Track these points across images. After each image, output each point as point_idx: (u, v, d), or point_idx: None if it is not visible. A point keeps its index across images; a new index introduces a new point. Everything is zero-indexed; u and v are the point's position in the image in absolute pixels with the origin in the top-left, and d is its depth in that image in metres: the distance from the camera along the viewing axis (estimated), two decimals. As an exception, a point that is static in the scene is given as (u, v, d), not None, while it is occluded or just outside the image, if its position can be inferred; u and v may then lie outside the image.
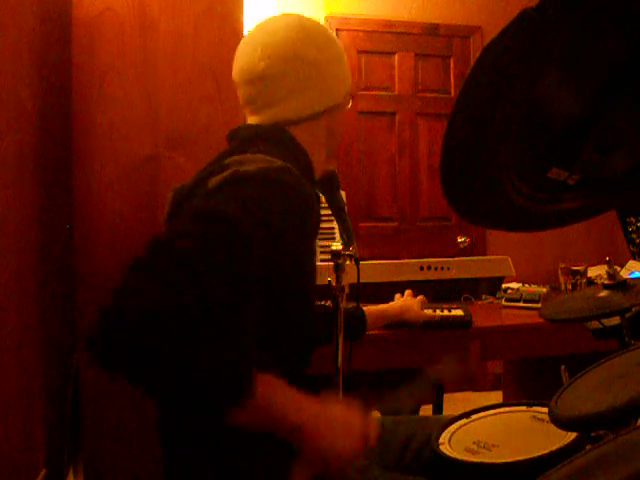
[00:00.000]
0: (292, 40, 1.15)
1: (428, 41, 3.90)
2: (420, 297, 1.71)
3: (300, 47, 1.15)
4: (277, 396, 0.87)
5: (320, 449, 0.89)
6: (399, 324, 1.65)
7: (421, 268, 2.03)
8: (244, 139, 1.15)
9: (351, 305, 1.43)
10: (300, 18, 1.20)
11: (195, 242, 0.84)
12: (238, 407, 0.82)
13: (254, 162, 1.01)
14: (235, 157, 1.05)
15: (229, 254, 0.85)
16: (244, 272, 0.88)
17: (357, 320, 1.55)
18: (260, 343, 0.93)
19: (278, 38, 1.15)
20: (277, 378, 0.88)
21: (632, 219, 2.35)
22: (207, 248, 0.84)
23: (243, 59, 1.18)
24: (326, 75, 1.18)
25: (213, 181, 0.98)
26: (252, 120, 1.20)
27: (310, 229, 1.09)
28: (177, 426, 1.09)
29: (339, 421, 0.92)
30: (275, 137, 1.15)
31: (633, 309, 1.20)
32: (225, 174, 0.98)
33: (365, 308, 1.59)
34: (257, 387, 0.83)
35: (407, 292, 1.74)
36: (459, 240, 3.87)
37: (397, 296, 1.75)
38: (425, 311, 1.69)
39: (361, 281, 1.31)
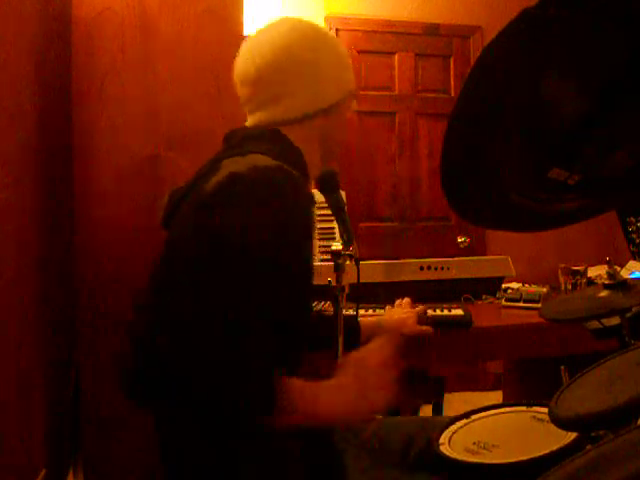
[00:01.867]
0: (286, 42, 1.17)
1: (428, 41, 3.90)
2: (418, 308, 1.67)
3: (293, 48, 1.16)
4: (299, 397, 0.95)
5: (355, 417, 1.03)
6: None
7: (421, 268, 2.03)
8: (238, 140, 1.17)
9: (350, 307, 1.42)
10: (298, 21, 1.22)
11: (208, 273, 0.91)
12: (270, 420, 0.92)
13: (248, 162, 1.03)
14: (228, 159, 1.07)
15: (242, 279, 0.92)
16: (259, 294, 0.94)
17: (351, 331, 1.50)
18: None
19: (273, 40, 1.17)
20: (292, 380, 0.96)
21: (632, 219, 2.35)
22: (221, 277, 0.91)
23: (240, 61, 1.21)
24: (320, 76, 1.19)
25: (210, 185, 1.00)
26: (250, 120, 1.22)
27: (308, 228, 1.09)
28: (177, 428, 1.08)
29: (361, 389, 1.00)
30: (268, 137, 1.15)
31: (633, 309, 1.20)
32: (221, 178, 1.00)
33: (360, 319, 1.55)
34: (282, 399, 0.91)
35: (405, 300, 1.70)
36: (459, 240, 3.87)
37: (397, 302, 1.72)
38: (420, 326, 1.65)
39: (361, 281, 1.30)
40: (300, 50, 1.17)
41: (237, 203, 0.96)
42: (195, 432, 1.04)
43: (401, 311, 1.67)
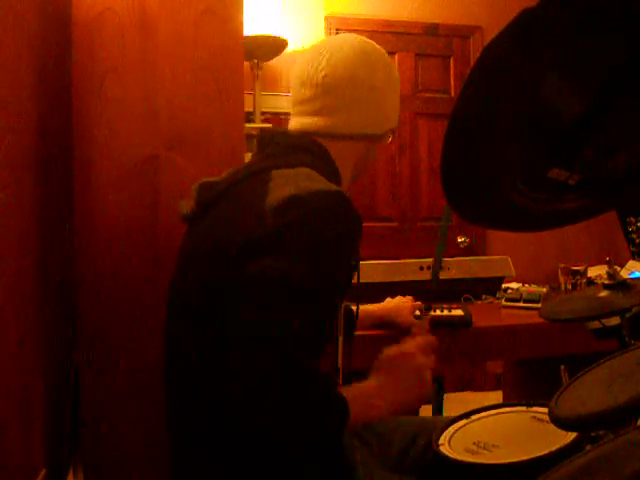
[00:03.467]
0: (357, 60, 1.20)
1: (428, 41, 3.90)
2: (417, 303, 1.68)
3: (362, 69, 1.20)
4: (355, 407, 0.99)
5: (400, 410, 1.07)
6: (387, 326, 1.63)
7: (421, 268, 2.03)
8: (283, 148, 1.18)
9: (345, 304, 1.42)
10: (367, 42, 1.26)
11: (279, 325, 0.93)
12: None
13: (306, 181, 1.05)
14: (278, 171, 1.09)
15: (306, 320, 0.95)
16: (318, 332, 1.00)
17: (347, 320, 1.54)
18: None
19: (347, 54, 1.20)
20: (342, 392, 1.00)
21: (632, 219, 2.35)
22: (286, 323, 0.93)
23: (307, 64, 1.22)
24: (378, 104, 1.23)
25: (269, 203, 1.01)
26: (295, 122, 1.24)
27: (356, 253, 1.13)
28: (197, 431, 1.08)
29: (399, 385, 1.07)
30: (312, 149, 1.18)
31: (633, 309, 1.20)
32: (282, 197, 1.01)
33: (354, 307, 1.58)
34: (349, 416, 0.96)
35: (407, 299, 1.71)
36: (459, 240, 3.87)
37: (397, 298, 1.73)
38: (415, 320, 1.66)
39: (361, 281, 1.30)
40: (370, 73, 1.21)
41: (300, 242, 0.98)
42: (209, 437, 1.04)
43: (398, 300, 1.68)
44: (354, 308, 1.46)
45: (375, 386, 1.06)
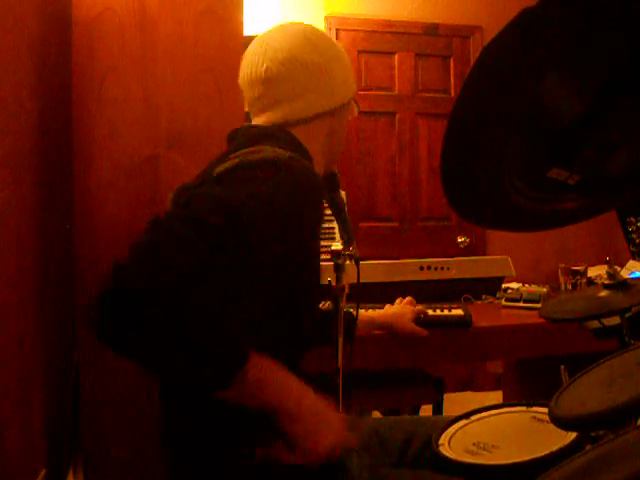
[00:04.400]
0: (294, 45, 1.18)
1: (428, 41, 3.90)
2: (417, 307, 1.68)
3: (301, 51, 1.18)
4: (267, 375, 0.90)
5: (299, 433, 0.92)
6: (387, 331, 1.63)
7: (421, 268, 2.03)
8: (246, 139, 1.16)
9: (351, 307, 1.42)
10: (303, 25, 1.24)
11: (193, 228, 0.85)
12: (232, 380, 0.85)
13: (261, 152, 1.02)
14: (239, 152, 1.06)
15: (228, 242, 0.87)
16: (242, 260, 0.89)
17: (347, 323, 1.53)
18: (261, 332, 0.96)
19: (279, 44, 1.19)
20: (270, 359, 0.91)
21: (632, 219, 2.35)
22: (206, 233, 0.85)
23: (248, 62, 1.21)
24: (327, 79, 1.21)
25: (218, 169, 1.00)
26: (256, 121, 1.23)
27: (318, 217, 1.10)
28: (178, 423, 1.09)
29: (321, 411, 0.95)
30: (278, 136, 1.16)
31: (633, 309, 1.20)
32: (230, 163, 0.99)
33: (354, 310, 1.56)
34: (250, 363, 0.86)
35: (407, 299, 1.71)
36: (459, 240, 3.87)
37: (397, 300, 1.72)
38: (414, 326, 1.65)
39: (361, 281, 1.30)
40: (310, 52, 1.19)
41: (244, 182, 0.94)
42: (197, 430, 1.04)
43: (398, 307, 1.67)
44: (354, 312, 1.46)
45: (302, 391, 0.94)
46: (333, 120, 1.24)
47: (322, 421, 0.94)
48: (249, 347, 0.88)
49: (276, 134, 1.16)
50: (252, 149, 1.06)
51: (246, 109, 1.27)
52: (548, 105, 0.77)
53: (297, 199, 0.99)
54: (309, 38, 1.21)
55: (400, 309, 1.66)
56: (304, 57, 1.18)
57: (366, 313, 1.62)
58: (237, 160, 1.00)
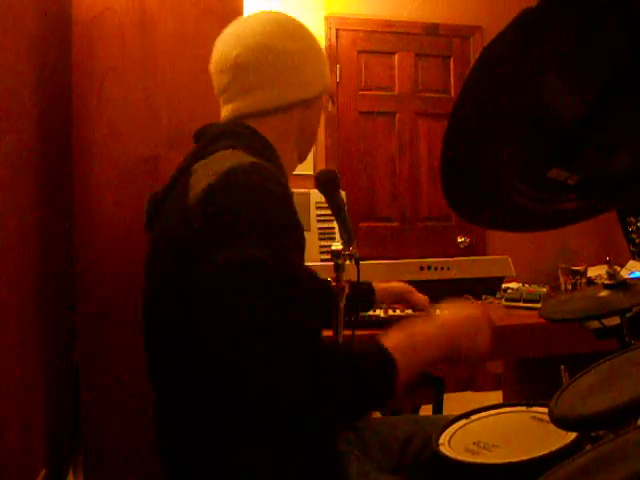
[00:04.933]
0: (265, 32, 1.15)
1: (428, 41, 3.90)
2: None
3: (273, 38, 1.15)
4: (408, 357, 0.98)
5: (469, 353, 1.09)
6: (405, 302, 1.66)
7: (421, 268, 2.03)
8: (209, 138, 1.14)
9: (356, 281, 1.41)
10: (277, 13, 1.22)
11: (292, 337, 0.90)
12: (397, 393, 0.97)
13: (218, 164, 1.01)
14: (198, 163, 1.05)
15: (272, 300, 0.91)
16: (275, 296, 0.92)
17: (365, 294, 1.59)
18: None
19: (252, 30, 1.16)
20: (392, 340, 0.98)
21: (632, 219, 2.35)
22: (296, 331, 0.91)
23: (218, 49, 1.19)
24: (299, 67, 1.17)
25: (190, 203, 0.98)
26: (224, 111, 1.21)
27: (292, 221, 1.04)
28: (176, 425, 1.08)
29: (457, 325, 1.08)
30: (239, 133, 1.13)
31: (633, 309, 1.20)
32: (199, 191, 0.98)
33: (374, 284, 1.62)
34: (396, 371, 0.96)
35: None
36: (459, 240, 3.87)
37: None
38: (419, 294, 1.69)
39: (361, 281, 1.31)
40: (282, 40, 1.16)
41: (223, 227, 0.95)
42: (198, 433, 1.04)
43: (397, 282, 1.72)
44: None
45: (420, 331, 1.03)
46: (305, 112, 1.20)
47: (466, 331, 1.08)
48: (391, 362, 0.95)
49: (237, 132, 1.14)
50: (209, 160, 1.05)
51: (216, 97, 1.24)
52: (549, 105, 0.77)
53: (271, 205, 0.97)
54: (284, 25, 1.18)
55: (402, 284, 1.70)
56: (276, 44, 1.15)
57: (381, 285, 1.65)
58: (205, 186, 0.98)
